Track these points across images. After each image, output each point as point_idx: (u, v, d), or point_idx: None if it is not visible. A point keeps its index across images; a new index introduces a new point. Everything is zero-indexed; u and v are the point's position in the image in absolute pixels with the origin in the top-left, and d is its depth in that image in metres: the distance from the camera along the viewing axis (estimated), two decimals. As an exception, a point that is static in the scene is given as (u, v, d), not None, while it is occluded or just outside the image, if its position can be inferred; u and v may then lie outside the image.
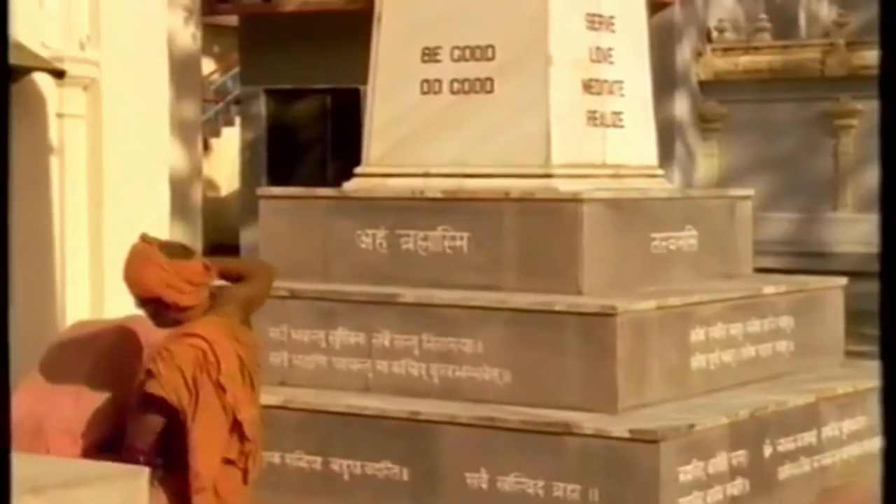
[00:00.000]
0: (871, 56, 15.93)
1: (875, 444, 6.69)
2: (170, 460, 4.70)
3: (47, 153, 7.54)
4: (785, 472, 6.42)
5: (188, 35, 13.85)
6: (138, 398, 4.73)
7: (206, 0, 17.01)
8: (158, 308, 4.83)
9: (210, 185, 21.88)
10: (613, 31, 7.13)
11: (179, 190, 10.88)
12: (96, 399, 5.02)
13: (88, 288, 7.63)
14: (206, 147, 21.28)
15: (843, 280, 7.76)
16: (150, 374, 4.68)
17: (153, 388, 4.66)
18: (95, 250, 7.61)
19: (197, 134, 14.11)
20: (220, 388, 4.71)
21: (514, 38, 6.88)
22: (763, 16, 17.44)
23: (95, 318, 6.78)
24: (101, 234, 7.62)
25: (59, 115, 7.58)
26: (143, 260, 4.85)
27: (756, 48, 16.95)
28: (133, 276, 4.84)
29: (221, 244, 16.56)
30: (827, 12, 18.78)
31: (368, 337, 6.49)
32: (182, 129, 12.66)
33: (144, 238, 4.96)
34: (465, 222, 6.63)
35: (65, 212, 7.58)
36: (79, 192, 7.65)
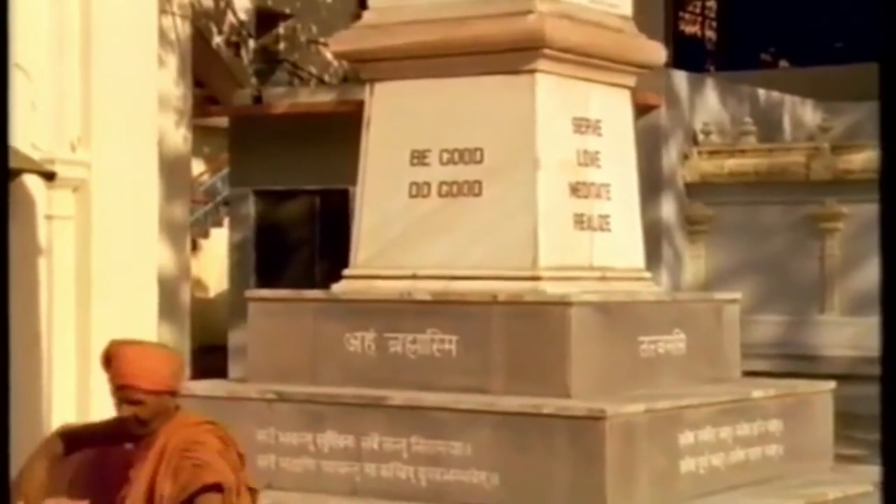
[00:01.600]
0: (855, 160, 16.07)
1: (866, 549, 6.65)
2: None
3: (36, 255, 7.54)
4: (776, 577, 6.36)
5: (179, 136, 13.93)
6: (197, 491, 4.65)
7: (197, 102, 17.15)
8: (162, 401, 4.78)
9: (198, 285, 21.86)
10: (600, 135, 7.20)
11: (168, 291, 10.87)
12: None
13: (75, 389, 7.59)
14: (195, 248, 21.29)
15: (832, 384, 7.75)
16: (196, 466, 4.63)
17: (211, 476, 4.60)
18: (82, 352, 7.58)
19: (185, 235, 14.14)
20: (241, 465, 4.72)
21: (502, 141, 6.94)
22: (748, 119, 17.61)
23: (80, 422, 6.73)
24: (89, 335, 7.59)
25: (48, 217, 7.60)
26: (151, 352, 4.83)
27: (742, 151, 17.08)
28: (149, 366, 4.77)
29: (209, 345, 16.50)
30: (811, 116, 18.97)
31: (357, 440, 6.45)
32: (171, 230, 12.69)
33: (116, 341, 4.92)
34: (454, 325, 6.63)
35: (52, 313, 7.56)
36: (67, 293, 7.64)
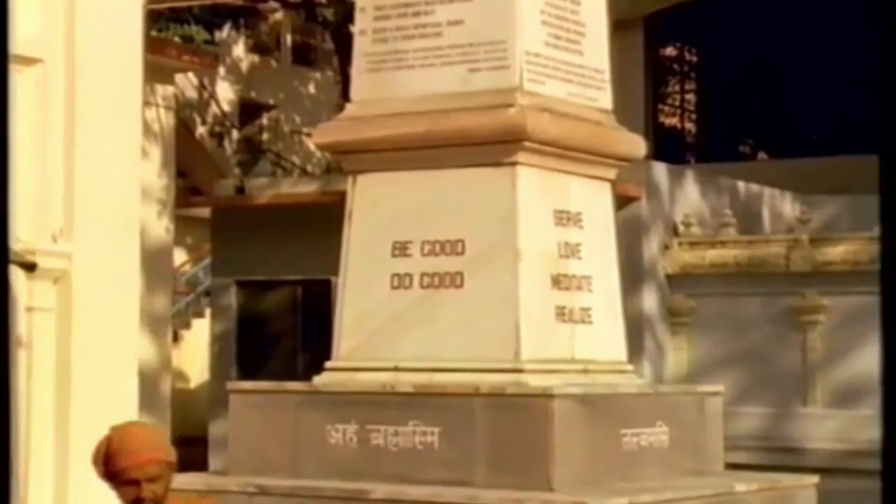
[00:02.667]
0: (834, 252, 16.15)
1: None
2: None
3: (15, 347, 7.51)
4: None
5: (161, 227, 13.95)
6: None
7: (180, 192, 17.20)
8: (171, 475, 4.76)
9: (179, 376, 21.76)
10: (581, 227, 7.24)
11: (148, 382, 10.82)
12: None
13: (52, 481, 7.51)
14: (176, 338, 21.23)
15: (815, 478, 7.72)
16: None
17: None
18: (61, 445, 7.52)
19: (167, 326, 14.10)
20: None
21: (484, 233, 6.96)
22: (728, 211, 17.71)
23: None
24: (68, 427, 7.54)
25: (29, 309, 7.57)
26: (151, 428, 4.85)
27: (722, 242, 17.16)
28: (159, 439, 4.78)
29: (189, 437, 16.37)
30: (790, 209, 19.10)
31: (337, 534, 6.40)
32: (152, 321, 12.66)
33: (114, 426, 4.91)
34: (436, 417, 6.60)
35: (31, 406, 7.51)
36: (46, 385, 7.59)
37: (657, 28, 26.06)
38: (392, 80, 7.31)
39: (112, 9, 7.98)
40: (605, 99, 7.64)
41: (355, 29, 7.60)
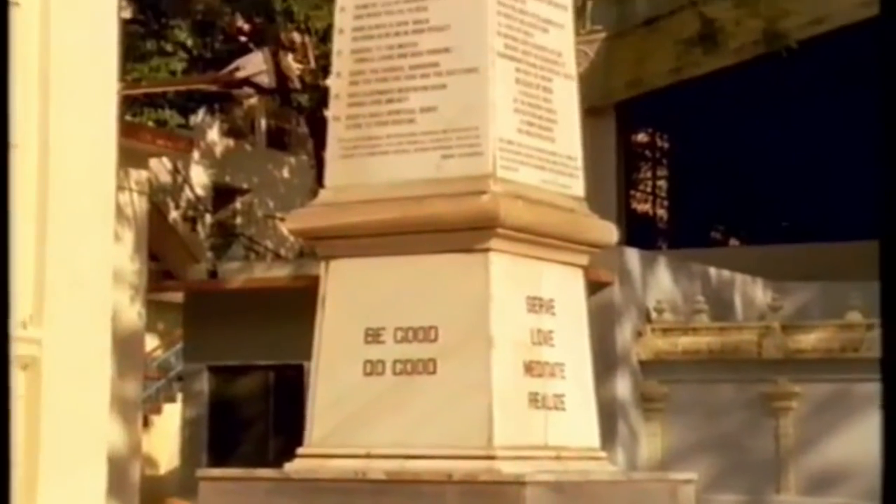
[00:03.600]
0: (806, 340, 16.21)
1: None
2: None
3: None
4: None
5: (133, 312, 13.90)
6: None
7: (153, 276, 17.16)
8: None
9: (149, 462, 21.56)
10: (554, 314, 7.24)
11: (117, 468, 10.72)
12: None
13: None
14: (146, 424, 21.07)
15: (789, 565, 7.69)
16: None
17: None
18: (28, 532, 7.43)
19: (137, 412, 14.00)
20: None
21: (456, 319, 6.96)
22: (700, 297, 17.78)
23: None
24: (35, 515, 7.46)
25: (-2, 394, 7.51)
26: None
27: (695, 329, 17.20)
28: None
29: (158, 524, 16.20)
30: (762, 295, 19.19)
31: None
32: (122, 407, 12.57)
33: None
34: (408, 505, 6.56)
35: (-2, 492, 7.42)
36: (14, 471, 7.51)
37: (629, 114, 26.32)
38: (365, 166, 7.34)
39: (87, 93, 8.01)
40: (578, 186, 7.68)
41: (329, 115, 7.65)
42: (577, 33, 10.94)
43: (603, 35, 24.78)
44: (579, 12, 21.02)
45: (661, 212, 28.42)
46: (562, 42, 7.60)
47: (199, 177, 28.38)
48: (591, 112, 22.21)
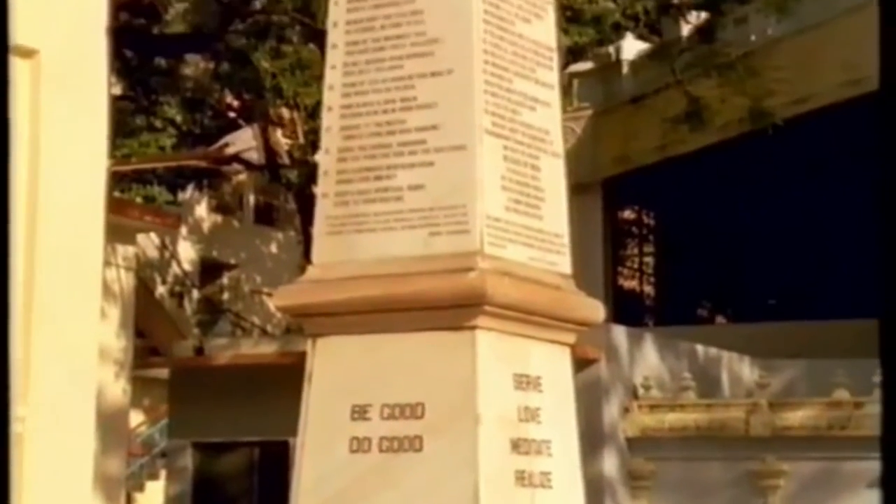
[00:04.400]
0: (793, 417, 16.18)
1: None
2: None
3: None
4: None
5: (118, 389, 13.83)
6: None
7: (138, 352, 17.11)
8: None
9: (132, 540, 21.35)
10: (541, 391, 7.23)
11: (100, 547, 10.60)
12: None
13: None
14: (129, 502, 20.89)
15: None
16: None
17: None
18: None
19: (120, 490, 13.89)
20: None
21: (443, 397, 6.94)
22: (687, 374, 17.76)
23: None
24: None
25: (-20, 471, 7.45)
26: None
27: (682, 406, 17.17)
28: None
29: None
30: (749, 373, 19.18)
31: None
32: (105, 485, 12.48)
33: None
34: (393, 585, 6.49)
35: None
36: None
37: (616, 191, 26.45)
38: (353, 243, 7.35)
39: (76, 169, 8.03)
40: (565, 263, 7.70)
41: (318, 191, 7.67)
42: (564, 110, 11.02)
43: (590, 112, 24.98)
44: (566, 89, 21.21)
45: (648, 289, 28.46)
46: (549, 120, 7.65)
47: (187, 252, 28.39)
48: (577, 188, 22.33)
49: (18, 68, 7.52)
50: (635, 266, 28.67)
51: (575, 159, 19.76)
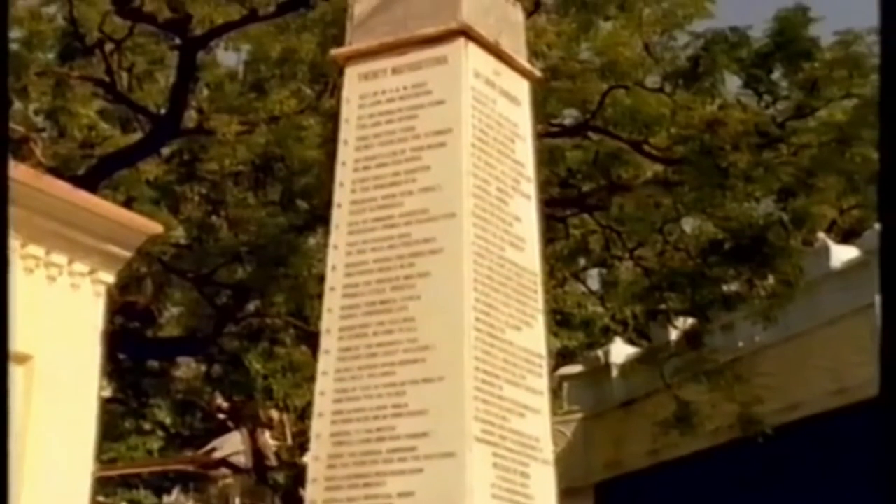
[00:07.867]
0: None
1: None
2: None
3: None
4: None
5: None
6: None
7: None
8: None
9: None
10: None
11: None
12: None
13: None
14: None
15: None
16: None
17: None
18: None
19: None
20: None
21: None
22: None
23: None
24: None
25: None
26: None
27: None
28: None
29: None
30: None
31: None
32: None
33: None
34: None
35: None
36: None
37: (608, 496, 26.15)
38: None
39: (60, 475, 7.96)
40: None
41: (306, 499, 7.60)
42: (554, 413, 11.04)
43: (580, 416, 24.98)
44: (556, 393, 21.28)
45: None
46: (539, 427, 7.66)
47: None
48: (569, 493, 22.09)
49: (12, 373, 7.56)
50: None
51: (566, 464, 19.63)
